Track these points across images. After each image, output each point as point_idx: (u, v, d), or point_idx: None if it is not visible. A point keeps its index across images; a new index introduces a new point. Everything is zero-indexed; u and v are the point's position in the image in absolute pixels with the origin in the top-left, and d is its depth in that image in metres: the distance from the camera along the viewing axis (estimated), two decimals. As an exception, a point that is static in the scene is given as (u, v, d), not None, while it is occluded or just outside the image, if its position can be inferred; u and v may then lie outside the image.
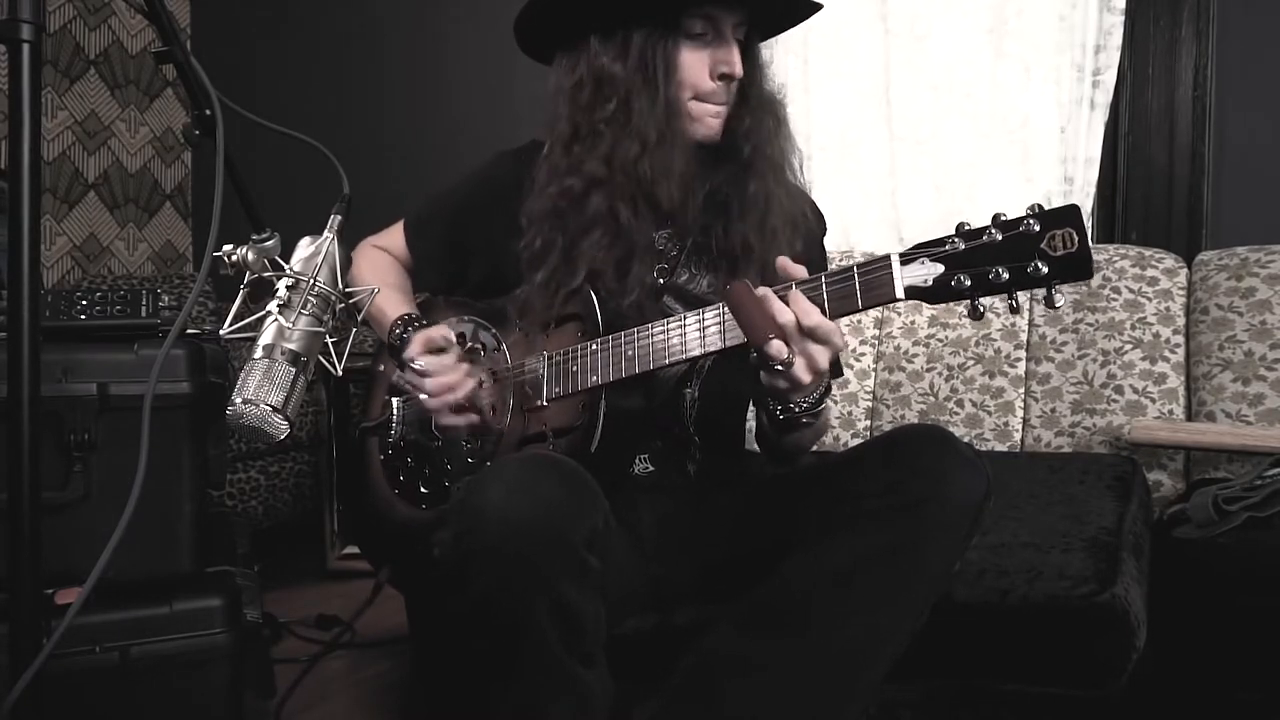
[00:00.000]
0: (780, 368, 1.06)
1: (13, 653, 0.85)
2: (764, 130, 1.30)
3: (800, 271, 1.09)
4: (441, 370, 1.29)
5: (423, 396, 1.30)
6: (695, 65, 1.26)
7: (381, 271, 1.51)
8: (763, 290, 1.07)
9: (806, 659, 1.10)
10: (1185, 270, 2.04)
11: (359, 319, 1.13)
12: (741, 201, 1.30)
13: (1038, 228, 0.98)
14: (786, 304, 1.06)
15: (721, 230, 1.32)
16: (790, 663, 1.10)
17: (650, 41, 1.24)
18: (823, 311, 1.06)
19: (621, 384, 1.22)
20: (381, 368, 1.49)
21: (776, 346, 1.05)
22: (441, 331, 1.34)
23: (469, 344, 1.37)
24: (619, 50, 1.26)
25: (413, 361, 1.30)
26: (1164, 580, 1.43)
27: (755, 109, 1.30)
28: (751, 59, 1.31)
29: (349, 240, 1.14)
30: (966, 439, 1.94)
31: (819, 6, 1.32)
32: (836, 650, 1.09)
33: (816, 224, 1.41)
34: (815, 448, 2.15)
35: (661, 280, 1.34)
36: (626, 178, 1.26)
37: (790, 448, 1.32)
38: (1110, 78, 2.21)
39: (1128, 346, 1.99)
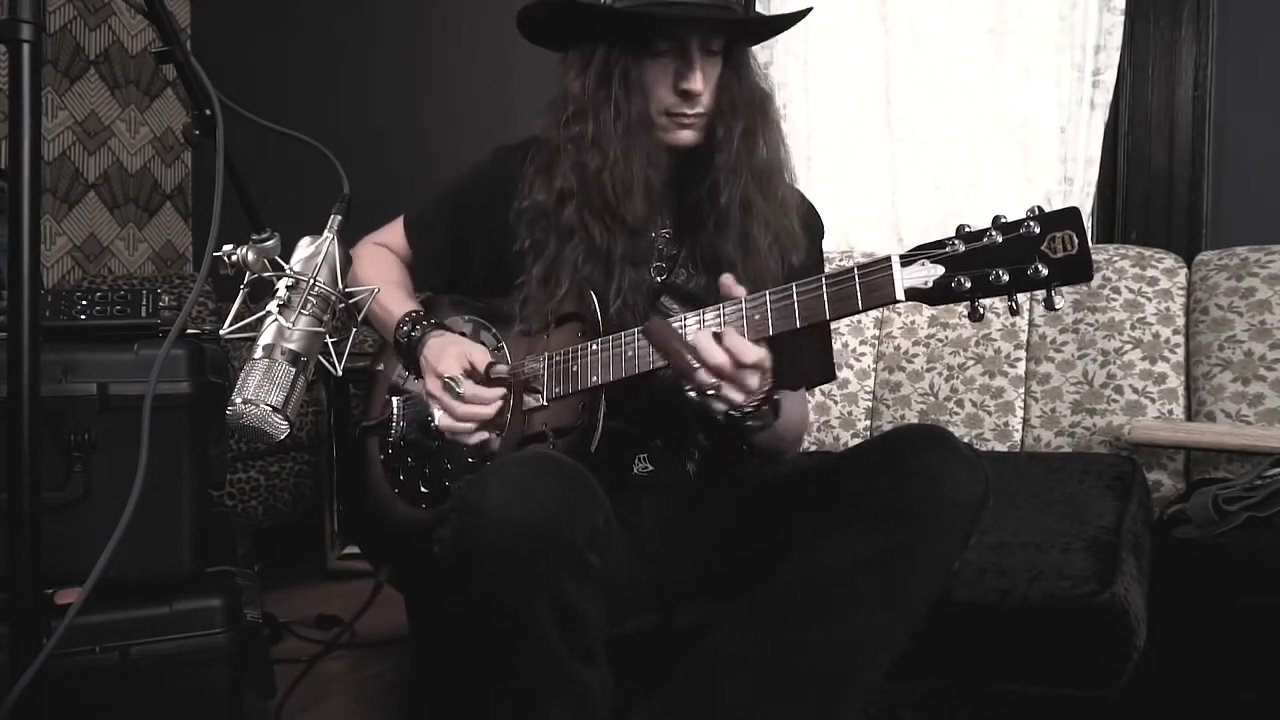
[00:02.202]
0: (711, 392, 1.10)
1: (13, 653, 0.85)
2: (737, 138, 1.28)
3: (740, 292, 1.12)
4: (477, 399, 1.26)
5: (438, 412, 1.27)
6: (659, 80, 1.26)
7: (383, 269, 1.51)
8: (699, 334, 1.10)
9: (805, 659, 1.10)
10: (1185, 270, 2.04)
11: (359, 319, 1.13)
12: (715, 212, 1.29)
13: (1038, 230, 0.98)
14: (720, 343, 1.08)
15: (706, 241, 1.32)
16: (789, 663, 1.10)
17: (613, 58, 1.26)
18: (823, 312, 1.07)
19: (621, 384, 1.22)
20: (381, 366, 1.49)
21: (703, 375, 1.10)
22: (481, 356, 1.30)
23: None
24: (584, 66, 1.28)
25: (457, 383, 1.25)
26: (1164, 580, 1.43)
27: (729, 117, 1.28)
28: (733, 66, 1.29)
29: (349, 239, 1.14)
30: (966, 439, 1.94)
31: (799, 15, 1.30)
32: (836, 650, 1.09)
33: (805, 231, 1.38)
34: (815, 447, 2.18)
35: (660, 279, 1.34)
36: (591, 190, 1.27)
37: (761, 447, 1.31)
38: (1110, 78, 2.21)
39: (1128, 346, 1.99)
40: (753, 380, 1.10)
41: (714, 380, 1.09)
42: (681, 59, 1.24)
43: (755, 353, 1.09)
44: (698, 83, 1.24)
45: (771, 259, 1.28)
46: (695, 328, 1.16)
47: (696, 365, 1.09)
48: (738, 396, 1.11)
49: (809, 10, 1.33)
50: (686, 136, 1.28)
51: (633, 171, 1.26)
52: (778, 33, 1.38)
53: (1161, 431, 1.85)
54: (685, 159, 1.32)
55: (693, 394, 1.14)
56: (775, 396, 1.18)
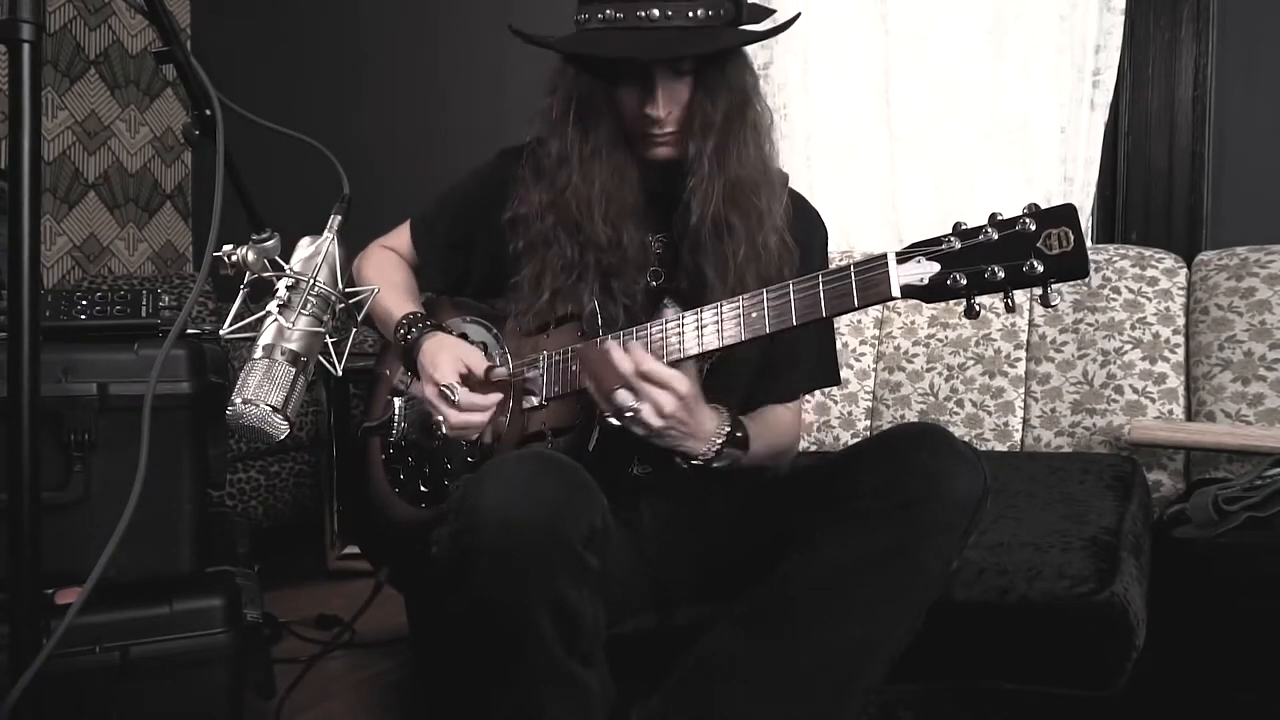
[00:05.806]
0: (630, 413, 1.12)
1: (13, 653, 0.85)
2: (707, 157, 1.25)
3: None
4: (473, 407, 1.26)
5: (439, 418, 1.27)
6: (626, 102, 1.25)
7: (386, 270, 1.51)
8: (608, 343, 1.13)
9: (804, 659, 1.10)
10: (1185, 270, 2.05)
11: (359, 319, 1.13)
12: (689, 232, 1.28)
13: (1034, 227, 0.98)
14: (625, 351, 1.11)
15: (688, 256, 1.30)
16: (788, 663, 1.10)
17: (581, 82, 1.27)
18: (819, 310, 1.07)
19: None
20: (387, 371, 1.49)
21: (622, 395, 1.12)
22: (478, 360, 1.30)
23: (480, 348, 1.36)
24: (554, 86, 1.30)
25: (452, 391, 1.25)
26: (1164, 580, 1.43)
27: (699, 137, 1.25)
28: (704, 84, 1.24)
29: (349, 240, 1.14)
30: (966, 439, 1.93)
31: (763, 35, 1.24)
32: (834, 650, 1.09)
33: (804, 238, 1.36)
34: (815, 447, 2.18)
35: (655, 284, 1.34)
36: (560, 207, 1.29)
37: (740, 475, 1.31)
38: (1110, 78, 2.21)
39: (1128, 346, 1.99)
40: (667, 402, 1.11)
41: (632, 399, 1.11)
42: (644, 85, 1.22)
43: (651, 363, 1.11)
44: (659, 109, 1.22)
45: (750, 279, 1.25)
46: (693, 325, 1.16)
47: (616, 385, 1.11)
48: (655, 421, 1.12)
49: (779, 28, 1.26)
50: (662, 153, 1.28)
51: (593, 194, 1.27)
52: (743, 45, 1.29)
53: (1161, 431, 1.85)
54: (667, 172, 1.30)
55: (613, 419, 1.15)
56: (738, 433, 1.22)
